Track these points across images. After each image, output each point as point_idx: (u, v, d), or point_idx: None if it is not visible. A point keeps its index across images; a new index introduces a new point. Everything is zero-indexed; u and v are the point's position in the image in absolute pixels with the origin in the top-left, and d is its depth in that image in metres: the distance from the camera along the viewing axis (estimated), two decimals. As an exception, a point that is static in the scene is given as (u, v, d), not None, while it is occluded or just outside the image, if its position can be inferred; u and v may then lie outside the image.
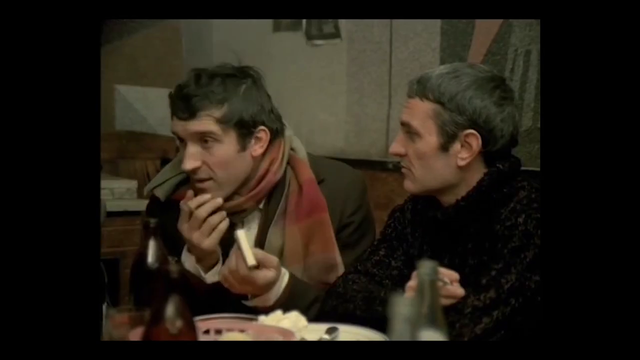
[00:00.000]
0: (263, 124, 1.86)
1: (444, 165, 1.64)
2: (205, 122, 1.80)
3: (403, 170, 1.71)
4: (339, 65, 3.37)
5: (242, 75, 1.86)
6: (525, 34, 2.62)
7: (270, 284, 1.74)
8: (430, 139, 1.63)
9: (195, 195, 1.86)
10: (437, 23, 2.90)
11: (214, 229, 1.80)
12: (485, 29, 2.73)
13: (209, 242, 1.80)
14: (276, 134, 1.90)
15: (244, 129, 1.84)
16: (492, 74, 1.69)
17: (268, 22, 3.67)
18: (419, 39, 2.99)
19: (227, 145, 1.82)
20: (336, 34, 3.37)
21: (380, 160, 3.14)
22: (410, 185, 1.70)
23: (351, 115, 3.32)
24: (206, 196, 1.82)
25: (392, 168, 3.04)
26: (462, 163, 1.64)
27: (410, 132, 1.66)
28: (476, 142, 1.62)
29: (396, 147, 1.69)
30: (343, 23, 3.32)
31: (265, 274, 1.72)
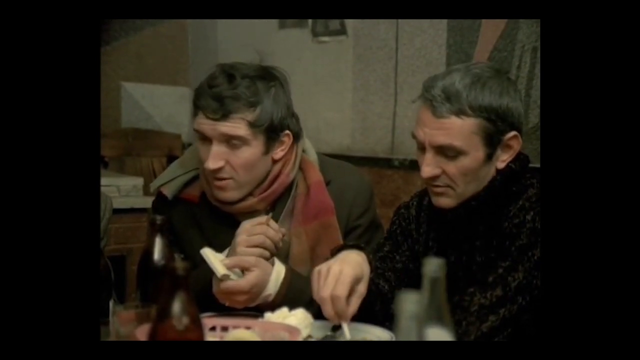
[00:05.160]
0: (288, 127, 1.84)
1: (487, 172, 1.63)
2: (237, 125, 1.77)
3: (439, 189, 1.64)
4: (345, 63, 3.36)
5: (270, 77, 1.83)
6: (532, 31, 2.61)
7: (260, 284, 1.70)
8: (477, 154, 1.60)
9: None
10: (443, 20, 2.89)
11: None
12: (492, 26, 2.72)
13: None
14: (296, 137, 1.88)
15: (273, 133, 1.81)
16: (498, 67, 1.70)
17: (274, 19, 3.67)
18: (425, 36, 2.99)
19: (254, 149, 1.80)
20: (342, 31, 3.37)
21: (386, 158, 3.14)
22: (448, 202, 1.65)
23: (357, 113, 3.32)
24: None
25: (398, 165, 3.04)
26: (502, 165, 1.63)
27: (450, 152, 1.59)
28: (517, 142, 1.63)
29: (430, 170, 1.62)
30: (349, 20, 3.31)
31: (248, 279, 1.68)
